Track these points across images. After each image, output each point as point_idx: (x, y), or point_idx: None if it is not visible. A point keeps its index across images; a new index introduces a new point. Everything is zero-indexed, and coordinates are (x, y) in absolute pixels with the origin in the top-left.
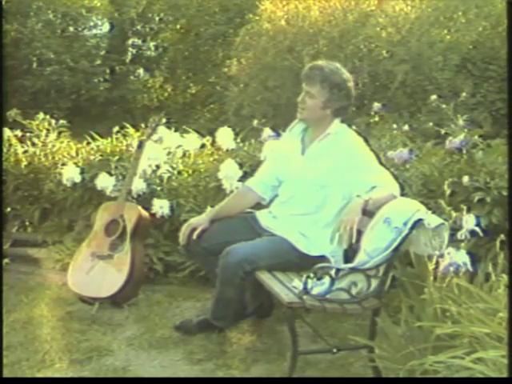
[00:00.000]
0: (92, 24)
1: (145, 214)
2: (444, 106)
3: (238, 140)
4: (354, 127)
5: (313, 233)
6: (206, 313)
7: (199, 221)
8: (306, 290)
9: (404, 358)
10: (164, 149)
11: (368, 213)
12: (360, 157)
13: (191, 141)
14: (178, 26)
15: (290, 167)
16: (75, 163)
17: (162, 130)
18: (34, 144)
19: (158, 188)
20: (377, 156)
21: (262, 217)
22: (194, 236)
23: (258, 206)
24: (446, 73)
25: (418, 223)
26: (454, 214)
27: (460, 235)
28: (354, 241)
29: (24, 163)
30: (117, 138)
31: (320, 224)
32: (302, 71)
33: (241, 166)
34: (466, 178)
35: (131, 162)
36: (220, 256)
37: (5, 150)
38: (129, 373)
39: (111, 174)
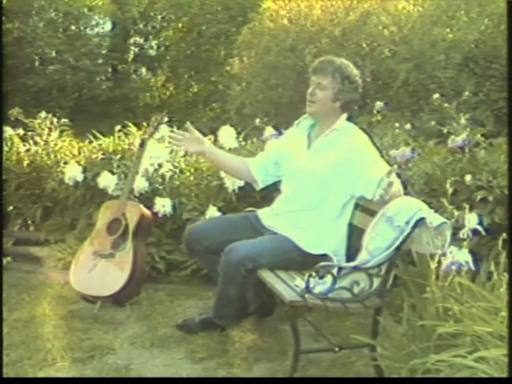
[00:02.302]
0: (94, 23)
1: (147, 212)
2: (446, 104)
3: (240, 139)
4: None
5: (315, 229)
6: (208, 311)
7: (200, 137)
8: (308, 289)
9: (406, 356)
10: (166, 147)
11: (370, 211)
12: (366, 154)
13: None
14: (180, 25)
15: (294, 162)
16: (77, 162)
17: (164, 129)
18: (36, 143)
19: (160, 187)
20: (381, 154)
21: (264, 215)
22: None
23: (258, 205)
24: (449, 71)
25: (420, 222)
26: (456, 213)
27: (462, 234)
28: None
29: (26, 162)
30: (119, 137)
31: (322, 220)
32: (312, 66)
33: None
34: (468, 177)
35: (133, 160)
36: (222, 254)
37: (7, 148)
38: (131, 371)
39: (113, 173)
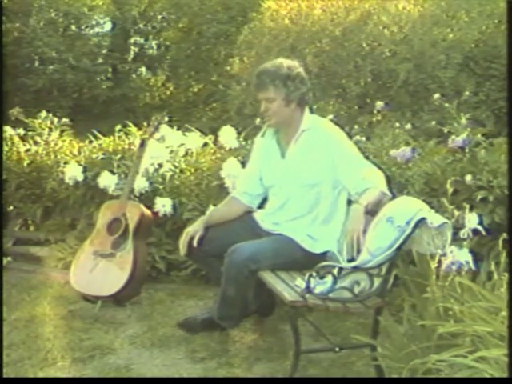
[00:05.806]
0: (94, 22)
1: (147, 212)
2: (447, 104)
3: (241, 139)
4: (356, 126)
5: (314, 231)
6: (209, 311)
7: (195, 228)
8: (308, 289)
9: (406, 356)
10: (166, 147)
11: (371, 211)
12: (342, 149)
13: (193, 139)
14: (180, 25)
15: (273, 173)
16: (77, 162)
17: (164, 129)
18: (36, 142)
19: (161, 186)
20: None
21: (263, 222)
22: (195, 243)
23: (258, 205)
24: (449, 71)
25: (421, 222)
26: (456, 213)
27: (462, 234)
28: (362, 247)
29: (26, 162)
30: (119, 137)
31: (318, 221)
32: (252, 83)
33: (243, 164)
34: (468, 177)
35: (133, 160)
36: (225, 254)
37: (7, 148)
38: (131, 371)
39: (113, 173)
